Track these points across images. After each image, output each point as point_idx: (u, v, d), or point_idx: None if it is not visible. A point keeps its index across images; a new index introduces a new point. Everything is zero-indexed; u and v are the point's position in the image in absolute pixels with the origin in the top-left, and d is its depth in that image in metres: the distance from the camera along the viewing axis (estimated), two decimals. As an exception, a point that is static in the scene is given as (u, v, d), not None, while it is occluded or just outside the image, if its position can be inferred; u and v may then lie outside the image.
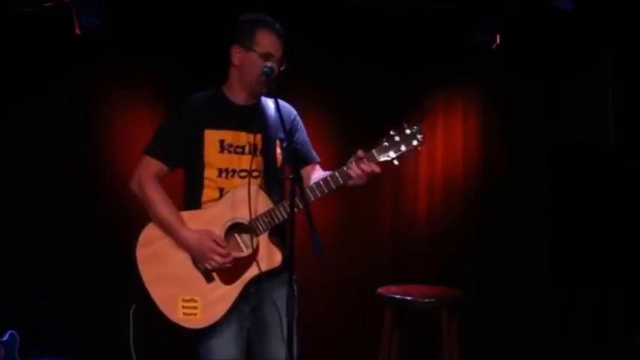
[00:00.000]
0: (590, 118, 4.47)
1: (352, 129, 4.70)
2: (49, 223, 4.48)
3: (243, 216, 2.74)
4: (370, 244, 4.81)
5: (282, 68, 2.83)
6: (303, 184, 2.64)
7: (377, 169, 2.71)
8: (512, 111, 4.80)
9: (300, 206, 2.64)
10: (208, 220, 2.78)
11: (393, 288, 4.15)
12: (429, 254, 4.79)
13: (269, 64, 2.75)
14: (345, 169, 2.71)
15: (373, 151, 2.72)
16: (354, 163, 2.70)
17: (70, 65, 4.48)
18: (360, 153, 2.71)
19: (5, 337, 4.14)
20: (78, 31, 4.30)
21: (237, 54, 2.83)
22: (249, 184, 2.71)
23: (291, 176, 2.64)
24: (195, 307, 2.75)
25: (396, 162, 2.72)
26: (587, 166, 4.62)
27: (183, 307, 2.75)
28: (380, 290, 4.12)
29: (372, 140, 4.59)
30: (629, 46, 4.37)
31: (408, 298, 4.01)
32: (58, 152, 4.51)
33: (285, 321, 2.50)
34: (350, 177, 2.71)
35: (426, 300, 4.01)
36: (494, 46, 4.60)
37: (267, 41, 2.80)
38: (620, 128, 4.33)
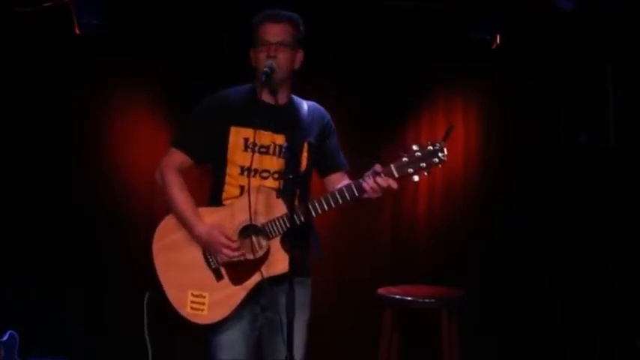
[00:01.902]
0: (591, 118, 4.46)
1: (352, 129, 4.69)
2: (49, 223, 4.48)
3: (257, 218, 2.73)
4: (370, 244, 4.80)
5: (289, 49, 2.79)
6: (304, 187, 2.62)
7: (394, 184, 2.67)
8: (513, 111, 4.80)
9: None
10: (223, 218, 2.78)
11: (393, 288, 4.15)
12: (429, 255, 4.79)
13: (269, 63, 2.73)
14: (360, 181, 2.69)
15: (391, 165, 2.67)
16: (370, 176, 2.67)
17: (69, 65, 4.48)
18: (377, 167, 2.67)
19: (5, 338, 4.13)
20: (77, 31, 4.29)
21: (252, 56, 2.83)
22: (249, 186, 2.70)
23: (291, 176, 2.63)
24: (203, 304, 2.77)
25: (415, 178, 2.66)
26: (588, 167, 4.61)
27: (192, 302, 2.77)
28: (380, 290, 4.12)
29: (372, 140, 4.64)
30: (629, 46, 4.37)
31: (408, 298, 4.02)
32: (58, 152, 4.51)
33: (286, 321, 2.52)
34: (365, 191, 2.68)
35: (426, 300, 4.01)
36: (494, 46, 4.60)
37: (263, 32, 2.79)
38: (620, 128, 4.33)
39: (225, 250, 2.73)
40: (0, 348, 4.10)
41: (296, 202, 2.69)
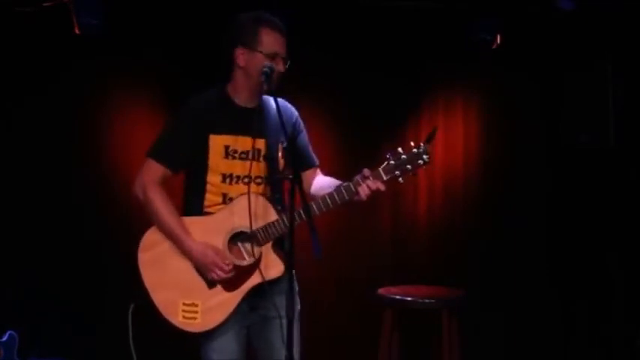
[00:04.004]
0: (591, 118, 4.47)
1: (351, 129, 4.70)
2: (49, 223, 4.48)
3: (246, 224, 2.73)
4: (370, 244, 4.80)
5: (287, 66, 2.81)
6: (303, 187, 2.62)
7: (382, 187, 2.72)
8: (513, 111, 4.80)
9: (303, 216, 2.66)
10: (211, 227, 2.77)
11: (393, 288, 4.16)
12: (429, 254, 4.79)
13: (268, 64, 2.72)
14: (351, 185, 2.73)
15: (380, 169, 2.73)
16: (360, 180, 2.72)
17: (69, 65, 4.48)
18: (366, 171, 2.72)
19: (4, 338, 4.13)
20: (77, 31, 4.29)
21: (241, 55, 2.79)
22: (248, 192, 2.70)
23: (290, 176, 2.63)
24: (196, 312, 2.75)
25: (400, 180, 2.74)
26: (588, 167, 4.61)
27: (184, 311, 2.75)
28: (380, 291, 4.13)
29: (372, 140, 4.63)
30: (629, 46, 4.37)
31: (408, 298, 4.02)
32: (58, 152, 4.50)
33: (284, 320, 2.51)
34: (356, 194, 2.73)
35: (427, 300, 4.01)
36: (494, 46, 4.60)
37: (271, 40, 2.76)
38: (620, 128, 4.33)
39: (218, 272, 2.72)
40: None
41: (276, 209, 2.74)
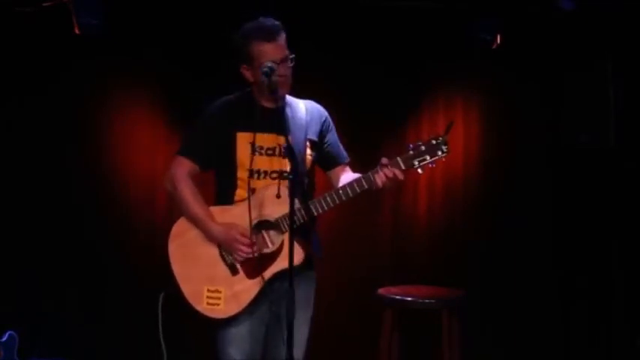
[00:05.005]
0: (591, 119, 4.47)
1: (352, 129, 4.68)
2: (49, 223, 4.48)
3: (269, 214, 2.84)
4: (370, 244, 4.80)
5: (291, 63, 2.86)
6: (307, 189, 2.68)
7: (400, 175, 2.81)
8: (513, 111, 4.80)
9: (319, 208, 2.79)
10: (236, 216, 2.86)
11: (393, 288, 4.16)
12: (429, 254, 4.79)
13: (268, 64, 2.77)
14: (370, 174, 2.83)
15: (398, 158, 2.82)
16: (378, 169, 2.81)
17: (68, 65, 4.48)
18: (384, 160, 2.81)
19: (4, 338, 4.13)
20: (77, 31, 4.29)
21: (246, 72, 2.90)
22: (248, 189, 2.79)
23: (291, 176, 2.66)
24: (219, 298, 2.84)
25: (419, 171, 2.83)
26: (588, 167, 4.61)
27: (208, 297, 2.85)
28: (380, 291, 4.12)
29: (372, 139, 4.63)
30: (629, 46, 4.37)
31: (409, 298, 4.02)
32: (58, 152, 4.51)
33: (299, 315, 2.60)
34: (374, 182, 2.81)
35: (427, 300, 4.01)
36: (494, 46, 4.60)
37: (263, 52, 2.82)
38: (620, 128, 4.33)
39: (241, 247, 2.82)
40: (-1, 348, 4.10)
41: (298, 199, 2.77)
